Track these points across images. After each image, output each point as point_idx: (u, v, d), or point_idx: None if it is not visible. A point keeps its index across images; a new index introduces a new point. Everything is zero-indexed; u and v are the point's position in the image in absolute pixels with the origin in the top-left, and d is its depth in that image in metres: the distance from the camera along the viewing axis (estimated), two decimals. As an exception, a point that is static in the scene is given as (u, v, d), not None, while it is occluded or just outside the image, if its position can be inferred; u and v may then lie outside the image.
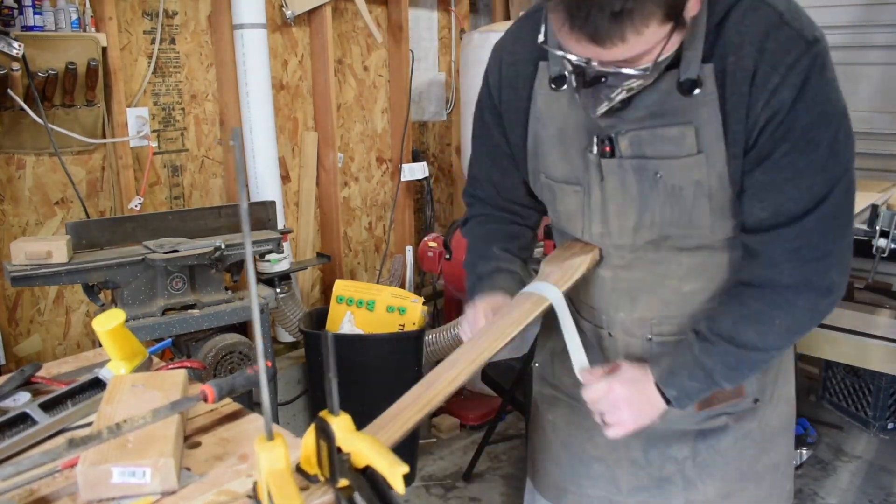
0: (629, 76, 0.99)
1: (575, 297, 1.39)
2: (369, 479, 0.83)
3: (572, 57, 0.98)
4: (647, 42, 0.93)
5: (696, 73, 1.04)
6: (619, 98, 1.03)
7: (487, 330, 1.16)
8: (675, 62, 1.04)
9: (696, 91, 1.04)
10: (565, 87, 1.14)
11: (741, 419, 1.32)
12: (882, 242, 2.35)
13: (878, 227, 2.36)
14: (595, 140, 1.15)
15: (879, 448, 3.25)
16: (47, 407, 1.17)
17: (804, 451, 3.05)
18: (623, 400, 1.16)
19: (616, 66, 0.98)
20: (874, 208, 2.38)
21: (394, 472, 0.80)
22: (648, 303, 1.27)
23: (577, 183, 1.21)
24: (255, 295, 0.80)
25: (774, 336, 1.13)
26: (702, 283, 1.23)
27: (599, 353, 1.37)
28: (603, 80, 1.01)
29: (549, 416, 1.48)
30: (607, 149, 1.14)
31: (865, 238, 2.40)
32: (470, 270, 1.41)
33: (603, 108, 1.04)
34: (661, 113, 1.08)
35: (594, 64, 0.98)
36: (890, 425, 3.31)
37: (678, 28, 0.95)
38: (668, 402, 1.17)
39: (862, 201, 2.67)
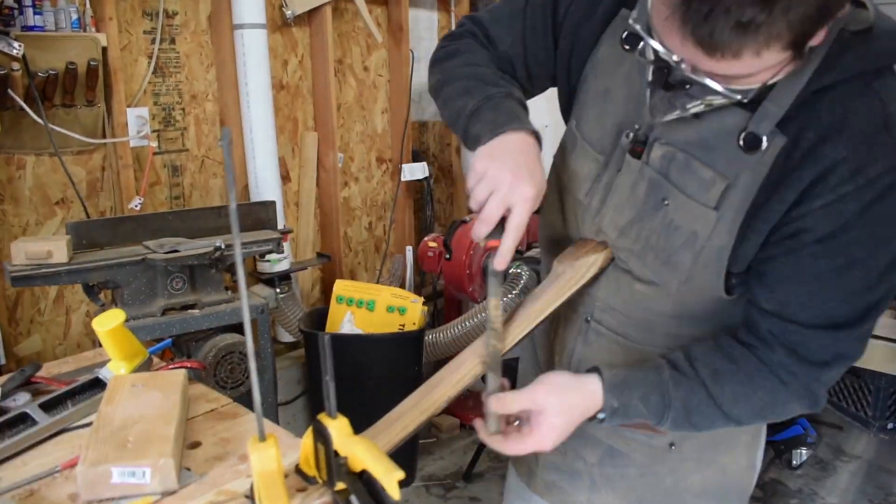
0: (720, 94, 0.85)
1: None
2: (366, 483, 0.84)
3: (664, 51, 0.85)
4: (761, 65, 0.80)
5: (765, 133, 0.92)
6: (693, 111, 0.91)
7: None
8: (752, 104, 0.90)
9: (754, 153, 0.93)
10: (631, 51, 0.96)
11: (652, 457, 1.24)
12: (882, 242, 2.34)
13: (877, 228, 2.35)
14: (631, 131, 1.05)
15: (879, 448, 3.26)
16: (47, 407, 1.17)
17: (804, 451, 3.06)
18: (555, 435, 1.03)
19: (712, 77, 0.84)
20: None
21: (389, 477, 0.80)
22: (601, 282, 1.17)
23: (602, 153, 1.10)
24: (245, 295, 0.81)
25: (747, 407, 1.03)
26: (654, 288, 1.12)
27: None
28: (687, 87, 0.88)
29: None
30: (638, 149, 1.05)
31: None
32: (466, 93, 1.12)
33: (672, 116, 0.93)
34: (707, 147, 0.98)
35: (684, 67, 0.84)
36: (890, 425, 3.31)
37: (794, 60, 0.82)
38: (598, 414, 1.05)
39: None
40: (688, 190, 1.00)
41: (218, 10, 2.78)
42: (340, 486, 0.87)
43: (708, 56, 0.79)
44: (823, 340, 0.98)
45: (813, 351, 0.98)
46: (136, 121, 2.61)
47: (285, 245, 2.74)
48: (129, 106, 2.59)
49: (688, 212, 1.01)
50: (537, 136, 1.05)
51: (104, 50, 2.42)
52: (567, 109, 1.20)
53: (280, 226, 2.59)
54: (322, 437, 0.87)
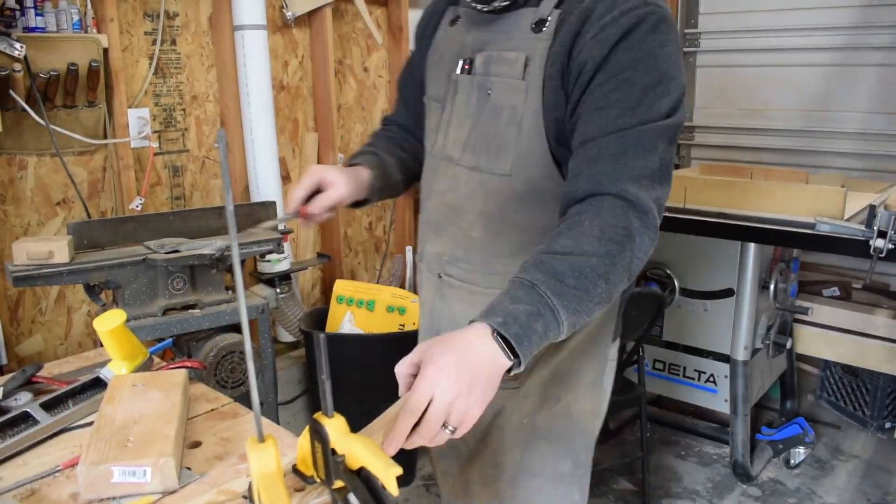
0: None
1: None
2: (364, 480, 0.84)
3: None
4: None
5: (547, 14, 1.19)
6: None
7: None
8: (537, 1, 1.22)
9: (542, 30, 1.19)
10: (455, 25, 1.37)
11: (501, 396, 1.20)
12: (880, 243, 2.35)
13: (875, 228, 2.36)
14: (461, 62, 1.32)
15: (877, 447, 3.26)
16: (48, 406, 1.18)
17: (802, 451, 3.06)
18: (453, 376, 0.91)
19: None
20: (872, 209, 2.38)
21: (388, 473, 0.81)
22: (444, 239, 1.38)
23: (439, 101, 1.38)
24: (243, 296, 0.81)
25: (588, 238, 1.03)
26: (489, 233, 1.30)
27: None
28: None
29: None
30: (466, 66, 1.31)
31: (863, 238, 2.40)
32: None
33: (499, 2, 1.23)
34: (510, 38, 1.24)
35: None
36: (887, 424, 3.31)
37: None
38: (504, 348, 0.95)
39: (860, 202, 2.67)
40: (501, 73, 1.24)
41: (218, 11, 2.79)
42: (338, 484, 0.88)
43: None
44: (615, 142, 1.10)
45: (609, 154, 1.10)
46: (137, 122, 2.62)
47: (285, 245, 2.75)
48: (130, 107, 2.59)
49: (505, 90, 1.24)
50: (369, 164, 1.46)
51: (105, 51, 2.43)
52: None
53: (280, 226, 2.59)
54: (319, 435, 0.88)
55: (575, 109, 1.16)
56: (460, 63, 1.32)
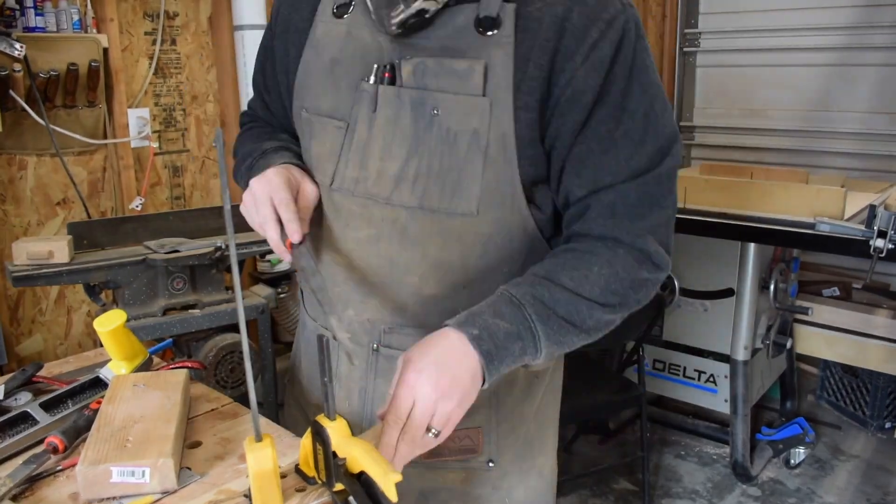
0: None
1: (307, 288, 1.26)
2: (364, 484, 0.84)
3: None
4: None
5: (496, 10, 0.96)
6: (416, 6, 0.95)
7: None
8: None
9: (493, 31, 0.96)
10: (347, 15, 1.06)
11: (472, 481, 1.18)
12: (880, 243, 2.35)
13: (875, 228, 2.36)
14: (375, 68, 1.03)
15: (877, 447, 3.26)
16: (48, 406, 1.18)
17: (802, 450, 3.06)
18: (434, 378, 0.88)
19: None
20: (872, 208, 2.38)
21: (387, 479, 0.81)
22: (382, 302, 1.11)
23: (340, 119, 1.07)
24: (241, 296, 0.81)
25: (592, 285, 0.97)
26: (446, 287, 1.08)
27: (316, 363, 1.11)
28: None
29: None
30: (387, 74, 1.02)
31: (863, 238, 2.40)
32: (243, 157, 1.20)
33: (399, 15, 0.96)
34: (452, 48, 0.99)
35: None
36: (887, 424, 3.32)
37: None
38: (482, 360, 0.92)
39: (860, 202, 2.68)
40: (451, 88, 0.99)
41: (218, 11, 2.79)
42: (339, 487, 0.88)
43: None
44: (634, 191, 1.00)
45: (628, 205, 1.00)
46: (137, 121, 2.62)
47: (285, 245, 2.74)
48: (129, 107, 2.59)
49: (460, 110, 0.99)
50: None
51: (105, 51, 2.43)
52: (288, 105, 1.20)
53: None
54: (321, 438, 0.88)
55: (568, 145, 1.01)
56: (375, 69, 1.03)
